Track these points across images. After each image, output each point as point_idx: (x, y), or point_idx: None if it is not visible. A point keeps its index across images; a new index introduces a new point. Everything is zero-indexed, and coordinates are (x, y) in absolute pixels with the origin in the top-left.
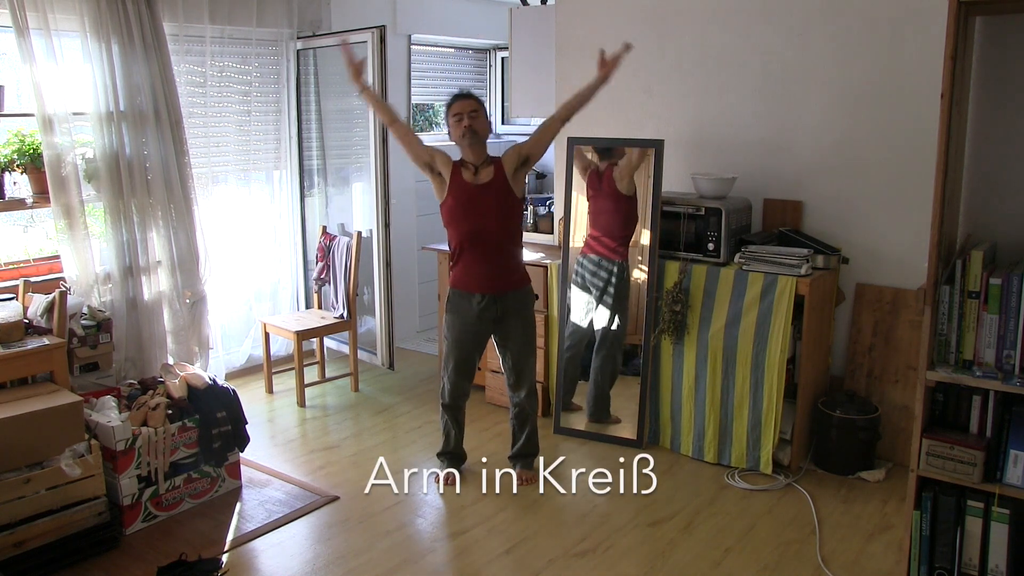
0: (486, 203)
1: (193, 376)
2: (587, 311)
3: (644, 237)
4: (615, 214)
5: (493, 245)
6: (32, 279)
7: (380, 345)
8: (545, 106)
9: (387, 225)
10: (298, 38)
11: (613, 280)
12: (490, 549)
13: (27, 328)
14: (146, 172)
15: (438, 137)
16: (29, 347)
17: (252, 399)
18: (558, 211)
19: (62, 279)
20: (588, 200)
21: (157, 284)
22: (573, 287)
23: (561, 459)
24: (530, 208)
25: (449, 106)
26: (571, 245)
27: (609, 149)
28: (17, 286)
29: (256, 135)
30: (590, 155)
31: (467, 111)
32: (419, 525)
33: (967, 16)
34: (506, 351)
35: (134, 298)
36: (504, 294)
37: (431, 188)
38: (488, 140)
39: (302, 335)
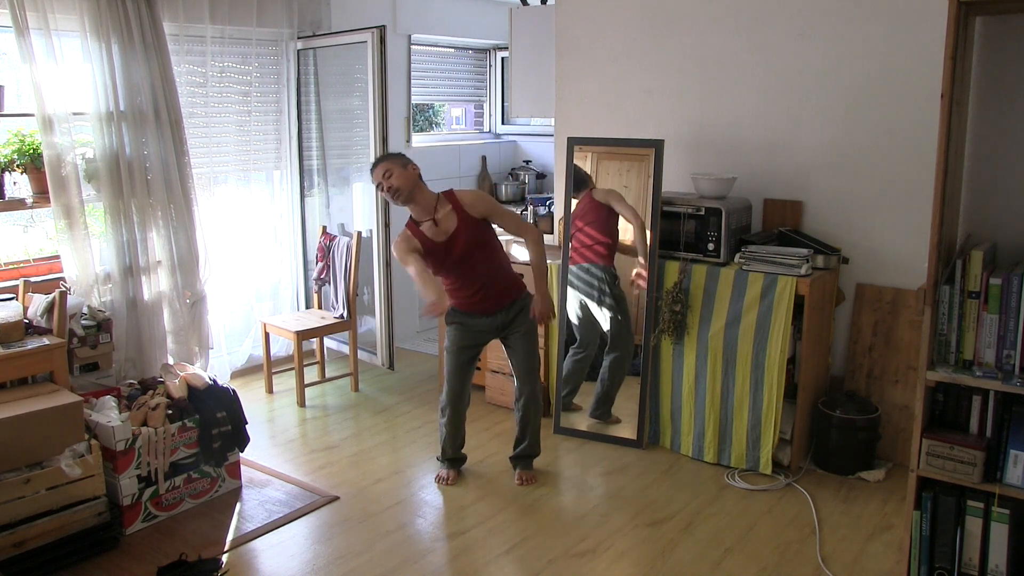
0: (460, 250)
1: (193, 376)
2: (591, 317)
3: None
4: (596, 222)
5: (481, 274)
6: (32, 279)
7: (380, 345)
8: (545, 106)
9: (387, 225)
10: (298, 38)
11: (605, 287)
12: (490, 549)
13: (27, 328)
14: (146, 172)
15: (437, 138)
16: (29, 347)
17: (252, 399)
18: (558, 211)
19: (62, 279)
20: (572, 220)
21: (157, 284)
22: (575, 293)
23: (561, 459)
24: (530, 208)
25: (374, 181)
26: (571, 245)
27: (582, 182)
28: (17, 286)
29: (256, 135)
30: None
31: (381, 177)
32: (419, 525)
33: (967, 16)
34: (514, 352)
35: (134, 298)
36: (505, 308)
37: (431, 188)
38: (485, 142)
39: (302, 335)
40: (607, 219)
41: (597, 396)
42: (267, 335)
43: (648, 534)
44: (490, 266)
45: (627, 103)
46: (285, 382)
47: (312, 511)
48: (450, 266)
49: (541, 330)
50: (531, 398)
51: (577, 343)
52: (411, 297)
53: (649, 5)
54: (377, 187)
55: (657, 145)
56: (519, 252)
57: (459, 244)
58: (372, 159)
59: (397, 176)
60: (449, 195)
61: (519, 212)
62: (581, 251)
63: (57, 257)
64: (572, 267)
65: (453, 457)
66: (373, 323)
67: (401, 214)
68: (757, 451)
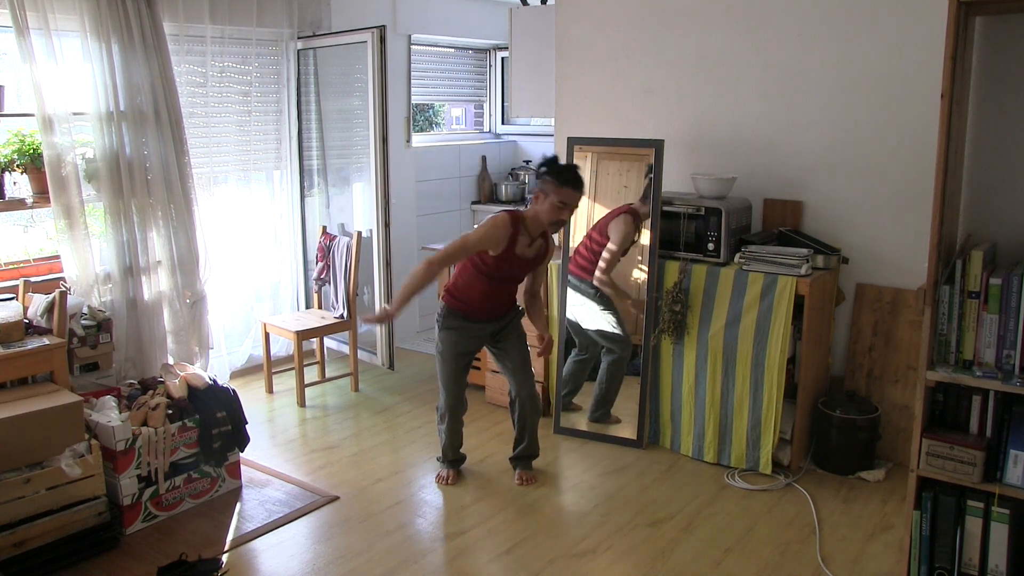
0: (525, 268)
1: (193, 376)
2: (587, 320)
3: (644, 237)
4: (597, 242)
5: (505, 290)
6: (32, 279)
7: (380, 345)
8: (545, 106)
9: (387, 225)
10: (298, 38)
11: (592, 298)
12: (490, 549)
13: (27, 328)
14: (146, 172)
15: (437, 137)
16: (29, 347)
17: (252, 399)
18: None
19: (62, 279)
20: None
21: (157, 284)
22: (574, 295)
23: (561, 459)
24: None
25: (562, 182)
26: (571, 245)
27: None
28: (17, 286)
29: (256, 135)
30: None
31: (573, 206)
32: (419, 525)
33: (967, 16)
34: (505, 359)
35: (134, 298)
36: (501, 315)
37: (431, 188)
38: (487, 142)
39: (302, 335)
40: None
41: (596, 398)
42: (267, 335)
43: (648, 534)
44: (513, 289)
45: (627, 103)
46: (285, 382)
47: (312, 511)
48: (499, 276)
49: None
50: (529, 399)
51: (577, 346)
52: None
53: (649, 5)
54: (561, 204)
55: (657, 145)
56: None
57: (523, 268)
58: (370, 158)
59: (573, 215)
60: (547, 236)
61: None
62: (578, 260)
63: (57, 257)
64: (570, 276)
65: (453, 459)
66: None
67: (401, 215)
68: (757, 451)
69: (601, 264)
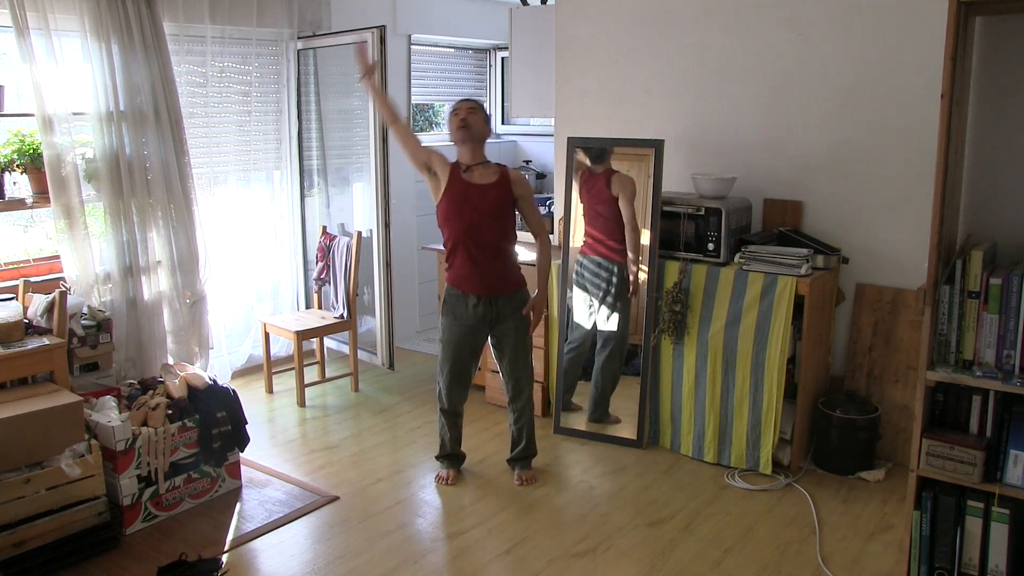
0: (482, 201)
1: (193, 376)
2: (589, 311)
3: (644, 237)
4: (611, 217)
5: (486, 244)
6: (32, 279)
7: (380, 345)
8: (545, 106)
9: (387, 225)
10: (298, 38)
11: (614, 281)
12: (490, 549)
13: (27, 328)
14: (146, 172)
15: (438, 138)
16: (29, 347)
17: (252, 399)
18: (558, 211)
19: (62, 279)
20: (581, 201)
21: (157, 284)
22: (575, 287)
23: (561, 459)
24: None
25: (452, 111)
26: (571, 245)
27: (603, 153)
28: (17, 286)
29: (256, 135)
30: (581, 157)
31: (465, 108)
32: (419, 525)
33: (967, 16)
34: (502, 355)
35: (134, 298)
36: (499, 297)
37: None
38: (488, 141)
39: (302, 335)
40: (619, 211)
41: (593, 399)
42: (267, 335)
43: (648, 534)
44: (496, 244)
45: (627, 103)
46: (285, 382)
47: (312, 511)
48: (461, 214)
49: (540, 329)
50: (528, 401)
51: (569, 338)
52: (411, 296)
53: (649, 5)
54: (453, 111)
55: (657, 145)
56: (525, 255)
57: (482, 197)
58: (370, 158)
59: (476, 119)
60: (502, 166)
61: None
62: (591, 243)
63: (57, 257)
64: (581, 257)
65: (452, 453)
66: (373, 323)
67: (401, 215)
68: (757, 451)
69: (634, 224)
